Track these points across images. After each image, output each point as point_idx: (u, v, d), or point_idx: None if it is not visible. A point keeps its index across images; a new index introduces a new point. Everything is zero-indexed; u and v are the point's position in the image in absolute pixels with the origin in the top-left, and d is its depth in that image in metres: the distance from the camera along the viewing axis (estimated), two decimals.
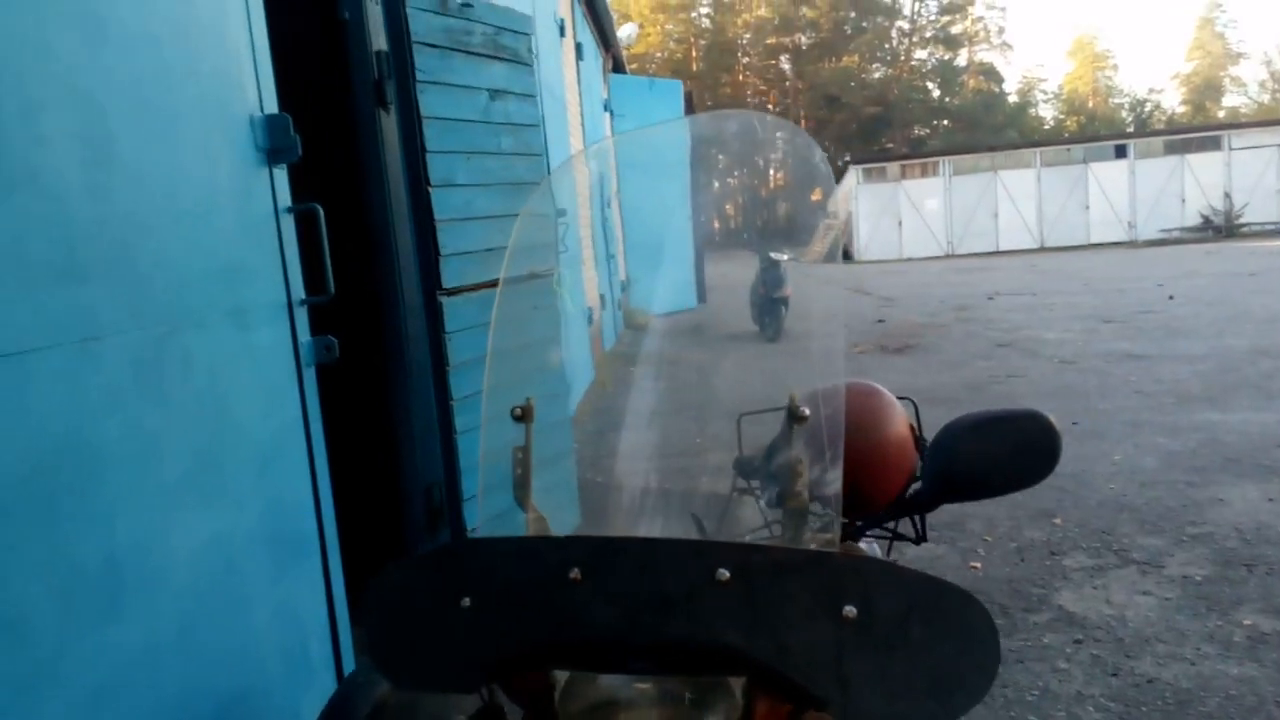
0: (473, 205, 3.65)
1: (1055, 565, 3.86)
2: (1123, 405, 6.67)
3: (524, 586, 1.05)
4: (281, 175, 2.48)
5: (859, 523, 1.53)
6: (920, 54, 56.41)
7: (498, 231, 3.82)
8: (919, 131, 53.75)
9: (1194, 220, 27.80)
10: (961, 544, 4.16)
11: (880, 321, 12.92)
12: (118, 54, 1.80)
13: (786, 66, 54.99)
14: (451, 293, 3.54)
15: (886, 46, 55.91)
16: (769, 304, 14.02)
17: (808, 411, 1.12)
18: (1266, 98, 54.72)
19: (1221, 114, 53.29)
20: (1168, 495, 4.61)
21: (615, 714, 1.02)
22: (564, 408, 4.26)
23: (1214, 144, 28.33)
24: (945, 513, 4.57)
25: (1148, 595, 3.50)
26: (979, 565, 3.92)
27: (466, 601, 1.08)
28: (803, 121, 52.94)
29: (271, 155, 2.42)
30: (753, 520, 1.48)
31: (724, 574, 0.98)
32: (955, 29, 55.33)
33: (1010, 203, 29.22)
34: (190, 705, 1.87)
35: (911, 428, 2.18)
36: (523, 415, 1.27)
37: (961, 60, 56.06)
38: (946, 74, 55.59)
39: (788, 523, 1.17)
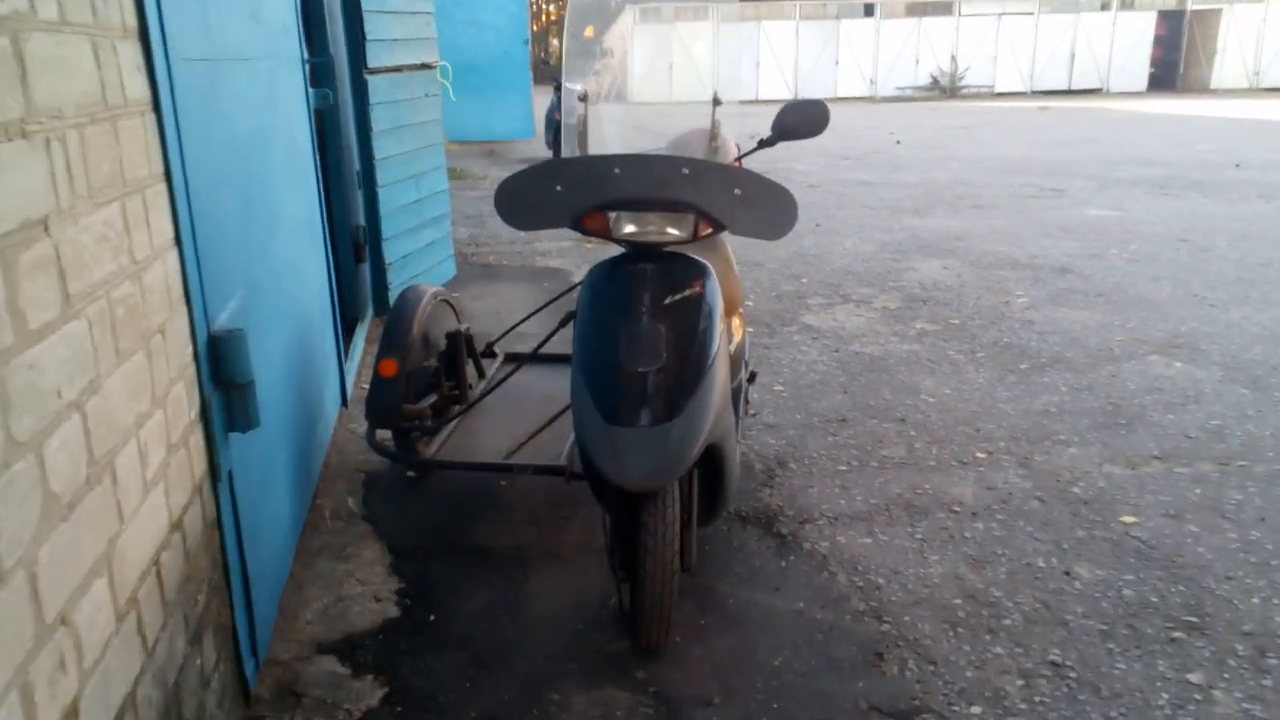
0: (386, 1, 4.54)
1: (801, 303, 5.48)
2: (853, 214, 8.48)
3: (590, 176, 2.27)
4: None
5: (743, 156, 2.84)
6: None
7: (399, 25, 4.73)
8: None
9: (925, 80, 31.02)
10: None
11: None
12: None
13: None
14: (374, 72, 4.46)
15: None
16: (560, 128, 15.20)
17: (723, 99, 2.42)
18: None
19: None
20: (878, 266, 6.38)
21: (637, 227, 2.28)
22: (443, 178, 5.33)
23: (947, 9, 31.37)
24: None
25: (859, 316, 5.18)
26: (751, 302, 5.47)
27: (559, 187, 2.29)
28: None
29: None
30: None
31: (685, 170, 2.26)
32: None
33: (771, 54, 31.13)
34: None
35: (737, 146, 3.51)
36: (584, 99, 2.45)
37: None
38: None
39: (714, 155, 2.49)
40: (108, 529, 1.39)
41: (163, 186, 1.73)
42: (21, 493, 1.13)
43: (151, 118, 1.69)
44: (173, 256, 1.76)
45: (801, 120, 2.59)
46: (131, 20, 1.63)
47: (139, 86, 1.65)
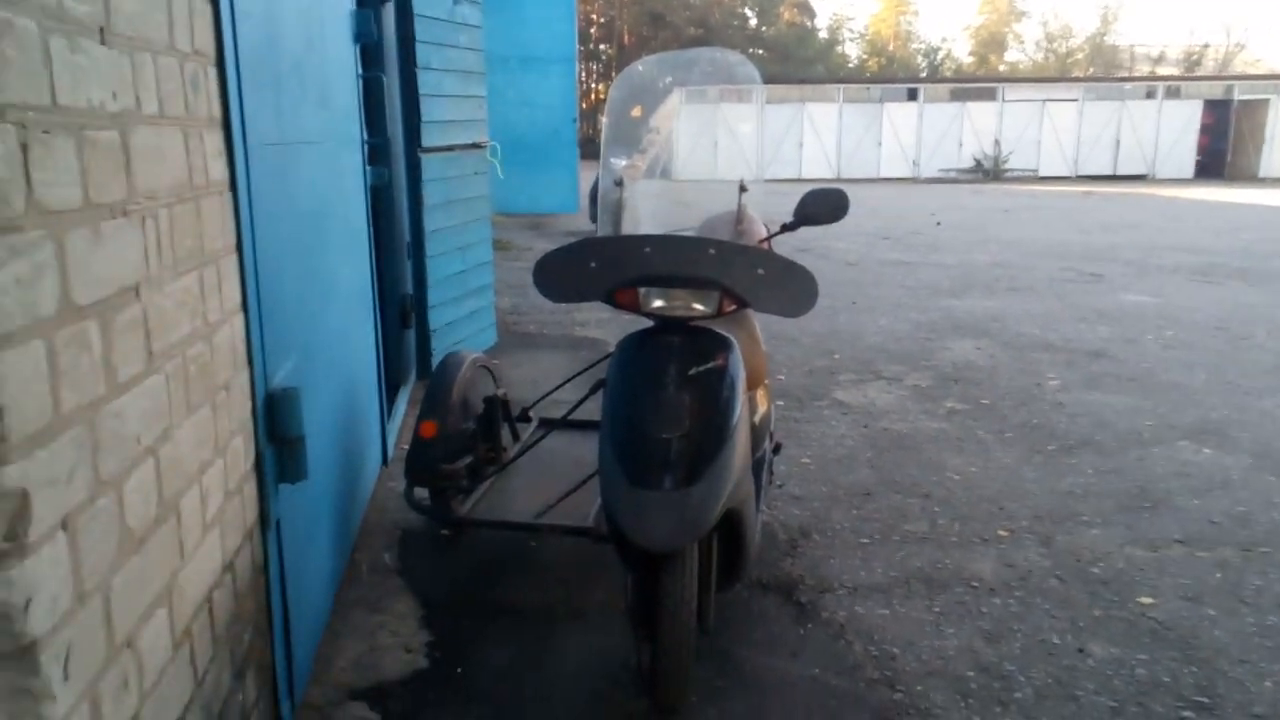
0: (442, 85, 4.83)
1: (833, 379, 5.58)
2: (890, 294, 8.60)
3: (623, 255, 2.43)
4: (357, 52, 3.62)
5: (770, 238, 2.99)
6: None
7: (453, 107, 5.01)
8: None
9: (968, 163, 31.30)
10: (771, 367, 5.81)
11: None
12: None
13: None
14: (428, 151, 4.73)
15: None
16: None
17: (748, 186, 2.58)
18: (1040, 56, 60.51)
19: (1002, 67, 58.67)
20: (912, 345, 6.48)
21: (665, 302, 2.43)
22: (488, 250, 5.56)
23: (990, 94, 31.80)
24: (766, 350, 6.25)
25: (890, 394, 5.27)
26: (783, 377, 5.58)
27: (593, 264, 2.45)
28: (626, 37, 53.77)
29: (356, 38, 3.56)
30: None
31: (711, 251, 2.41)
32: None
33: (814, 134, 31.64)
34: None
35: (766, 227, 3.68)
36: (619, 183, 2.63)
37: None
38: (764, 4, 57.80)
39: (739, 237, 2.65)
40: (171, 564, 1.53)
41: (234, 257, 1.91)
42: (103, 526, 1.28)
43: (229, 196, 1.89)
44: (239, 320, 1.93)
45: (822, 207, 2.75)
46: (217, 111, 1.84)
47: (220, 169, 1.84)
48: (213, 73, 1.82)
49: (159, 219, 1.50)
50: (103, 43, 1.32)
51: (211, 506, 1.74)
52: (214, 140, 1.81)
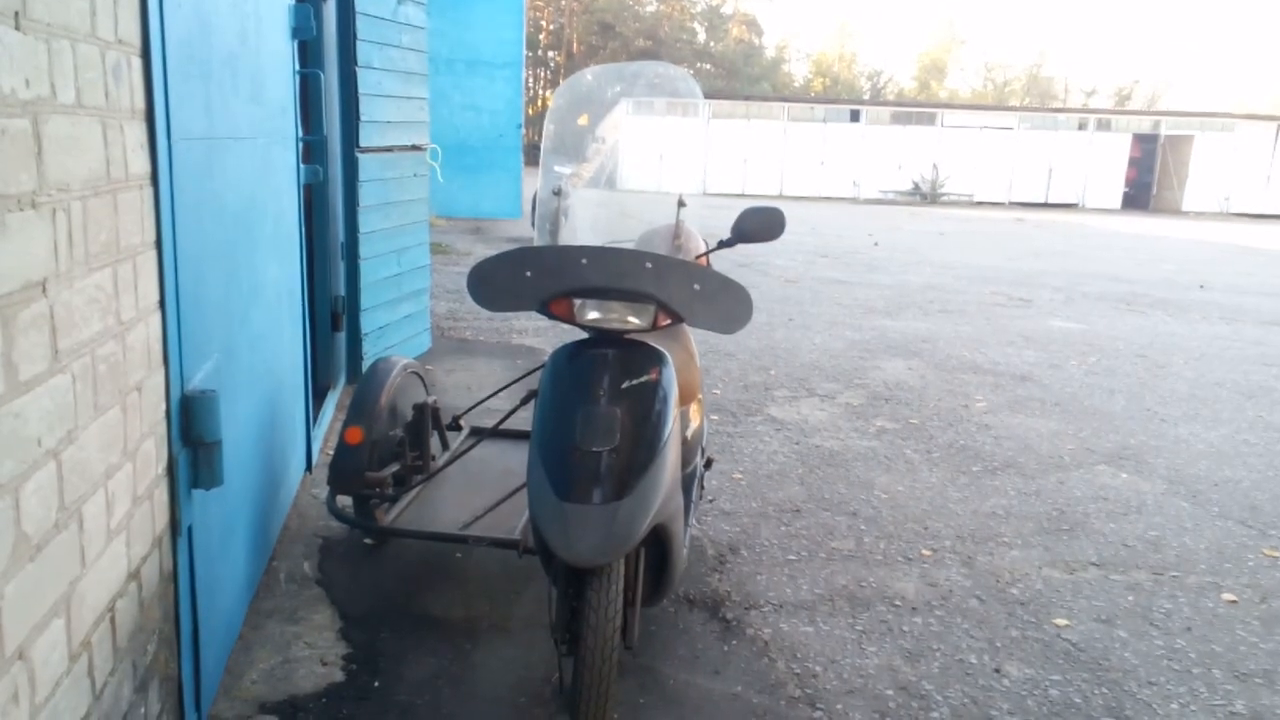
0: (382, 85, 4.76)
1: (768, 395, 5.62)
2: (826, 311, 8.71)
3: (559, 265, 2.42)
4: (294, 47, 3.55)
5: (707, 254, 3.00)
6: None
7: (394, 108, 4.94)
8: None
9: (906, 185, 31.94)
10: (707, 381, 5.83)
11: None
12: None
13: None
14: (365, 151, 4.65)
15: None
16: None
17: (686, 201, 2.58)
18: (979, 84, 62.11)
19: (944, 94, 60.10)
20: (846, 363, 6.56)
21: (600, 314, 2.42)
22: (425, 254, 5.49)
23: (930, 119, 32.50)
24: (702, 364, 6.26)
25: (823, 411, 5.32)
26: (718, 391, 5.60)
27: (529, 273, 2.43)
28: (575, 45, 53.79)
29: (293, 33, 3.49)
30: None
31: (648, 265, 2.41)
32: None
33: (759, 151, 31.98)
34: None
35: (705, 242, 3.69)
36: (558, 192, 2.61)
37: (728, 8, 59.04)
38: (713, 19, 58.33)
39: (676, 251, 2.64)
40: (70, 572, 1.47)
41: (153, 254, 1.85)
42: None
43: (149, 190, 1.83)
44: (156, 319, 1.87)
45: (759, 225, 2.76)
46: (140, 103, 1.78)
47: (141, 162, 1.78)
48: (137, 63, 1.76)
49: (71, 212, 1.45)
50: (17, 28, 1.27)
51: (118, 512, 1.67)
52: (136, 132, 1.75)
